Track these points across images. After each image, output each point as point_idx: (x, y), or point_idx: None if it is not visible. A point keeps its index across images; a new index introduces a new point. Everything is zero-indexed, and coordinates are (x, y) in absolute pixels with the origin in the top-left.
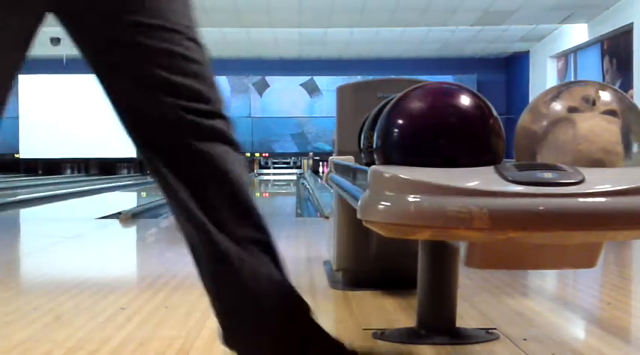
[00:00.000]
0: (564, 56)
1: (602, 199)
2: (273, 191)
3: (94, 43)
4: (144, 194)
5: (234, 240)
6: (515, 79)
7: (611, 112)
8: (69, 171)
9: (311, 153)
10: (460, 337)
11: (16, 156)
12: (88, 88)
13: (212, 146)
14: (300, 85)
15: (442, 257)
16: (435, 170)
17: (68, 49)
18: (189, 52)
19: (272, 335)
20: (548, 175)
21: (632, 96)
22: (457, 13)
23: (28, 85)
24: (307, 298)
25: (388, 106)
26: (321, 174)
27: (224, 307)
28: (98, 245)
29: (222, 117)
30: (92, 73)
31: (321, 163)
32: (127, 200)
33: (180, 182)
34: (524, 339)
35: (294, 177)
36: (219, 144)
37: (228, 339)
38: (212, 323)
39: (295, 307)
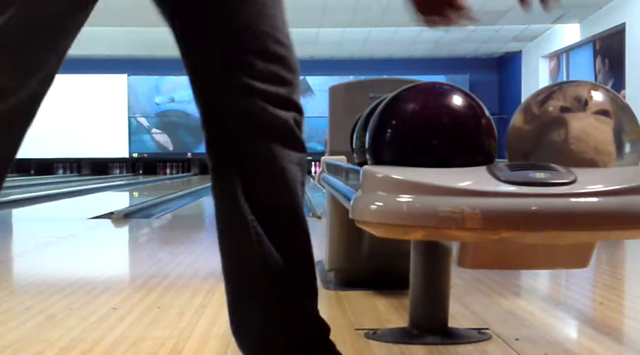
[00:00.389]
0: (556, 56)
1: (595, 199)
2: None
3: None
4: (136, 194)
5: (277, 247)
6: (508, 79)
7: (604, 112)
8: (61, 171)
9: None
10: (452, 337)
11: None
12: (79, 87)
13: (273, 145)
14: None
15: (434, 257)
16: (427, 170)
17: None
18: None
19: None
20: (540, 175)
21: (624, 97)
22: None
23: None
24: None
25: (380, 106)
26: (313, 174)
27: (242, 313)
28: (90, 245)
29: (294, 106)
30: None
31: (313, 163)
32: (119, 200)
33: (235, 175)
34: (517, 339)
35: None
36: (281, 145)
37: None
38: (204, 323)
39: (312, 331)
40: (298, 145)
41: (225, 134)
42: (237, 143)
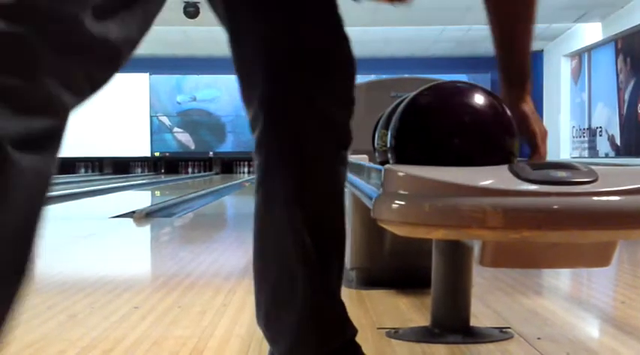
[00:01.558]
0: (578, 55)
1: (616, 198)
2: None
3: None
4: (158, 193)
5: (318, 251)
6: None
7: None
8: (83, 170)
9: None
10: (474, 336)
11: None
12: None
13: (332, 146)
14: None
15: (456, 256)
16: (448, 169)
17: None
18: None
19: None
20: (562, 174)
21: None
22: (472, 12)
23: None
24: None
25: (402, 105)
26: None
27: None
28: (112, 244)
29: (351, 101)
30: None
31: None
32: (141, 199)
33: (288, 174)
34: (539, 338)
35: None
36: (338, 146)
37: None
38: (226, 322)
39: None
40: (348, 144)
41: (285, 133)
42: (296, 142)
